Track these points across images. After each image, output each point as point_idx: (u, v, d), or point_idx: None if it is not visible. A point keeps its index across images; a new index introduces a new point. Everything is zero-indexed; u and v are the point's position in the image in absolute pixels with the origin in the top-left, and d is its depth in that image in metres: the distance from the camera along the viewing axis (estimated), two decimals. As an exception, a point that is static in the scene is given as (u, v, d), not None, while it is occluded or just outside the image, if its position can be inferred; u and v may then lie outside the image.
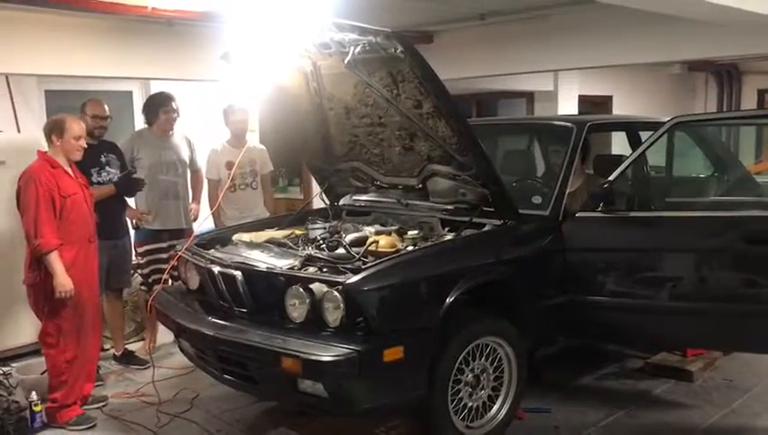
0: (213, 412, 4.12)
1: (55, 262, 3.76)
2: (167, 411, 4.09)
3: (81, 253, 3.93)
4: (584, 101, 8.79)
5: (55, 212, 3.80)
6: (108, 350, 5.04)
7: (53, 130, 3.93)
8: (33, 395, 3.92)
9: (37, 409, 3.91)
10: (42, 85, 5.44)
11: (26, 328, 4.95)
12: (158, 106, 5.02)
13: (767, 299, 3.67)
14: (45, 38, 4.91)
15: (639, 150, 4.09)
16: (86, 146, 4.06)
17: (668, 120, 3.99)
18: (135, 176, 4.81)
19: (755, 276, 3.71)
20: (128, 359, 4.96)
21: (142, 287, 5.17)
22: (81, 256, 3.92)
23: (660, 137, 3.98)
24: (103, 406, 4.21)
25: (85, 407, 4.07)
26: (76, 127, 3.97)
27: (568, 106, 8.50)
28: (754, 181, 5.01)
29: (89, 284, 4.00)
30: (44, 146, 5.38)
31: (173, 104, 5.03)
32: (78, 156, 4.00)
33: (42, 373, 4.29)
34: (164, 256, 4.95)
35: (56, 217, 3.80)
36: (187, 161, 5.21)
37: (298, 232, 4.14)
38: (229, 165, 5.12)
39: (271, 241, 3.96)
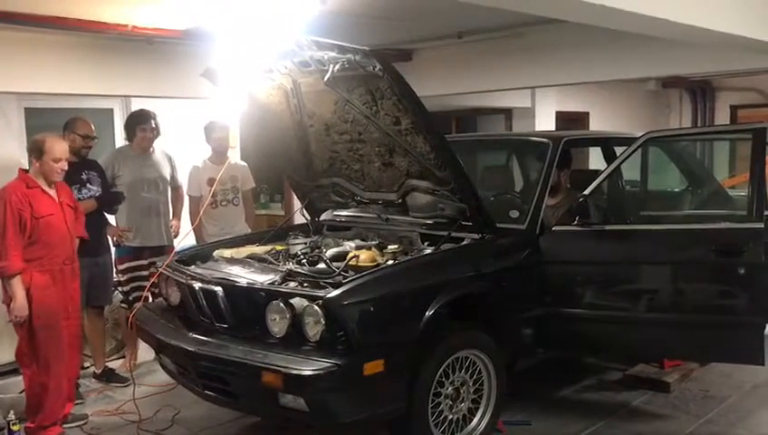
0: (194, 429, 4.11)
1: (17, 286, 3.68)
2: (147, 429, 4.07)
3: (57, 276, 3.86)
4: (561, 118, 8.91)
5: (25, 234, 3.72)
6: (88, 368, 5.00)
7: (32, 151, 3.87)
8: (11, 414, 3.88)
9: (15, 428, 3.86)
10: (21, 103, 5.42)
11: (4, 347, 4.90)
12: (135, 124, 5.03)
13: (739, 310, 3.75)
14: (25, 56, 4.91)
15: (613, 165, 4.17)
16: (66, 168, 3.96)
17: (641, 136, 4.09)
18: (114, 190, 4.81)
19: (726, 287, 3.80)
20: (108, 376, 4.93)
21: (123, 305, 5.14)
22: (55, 280, 3.85)
23: (633, 152, 4.07)
24: (83, 424, 4.18)
25: (65, 425, 4.04)
26: (57, 149, 3.86)
27: (545, 122, 8.60)
28: (727, 195, 5.12)
29: (65, 308, 3.90)
30: (25, 164, 5.39)
31: (151, 122, 5.03)
32: (57, 177, 3.91)
33: (20, 392, 4.26)
34: (145, 273, 4.95)
35: (26, 238, 3.73)
36: (168, 178, 5.22)
37: (279, 247, 4.16)
38: (211, 181, 5.14)
39: (252, 257, 3.98)
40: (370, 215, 4.46)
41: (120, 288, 5.12)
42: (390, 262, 3.67)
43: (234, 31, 3.94)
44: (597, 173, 4.37)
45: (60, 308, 3.86)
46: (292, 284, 3.46)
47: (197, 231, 5.17)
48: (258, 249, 4.17)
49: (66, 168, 3.96)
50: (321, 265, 3.63)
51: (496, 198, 4.59)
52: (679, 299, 3.92)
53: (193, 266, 3.98)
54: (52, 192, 3.91)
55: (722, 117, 9.92)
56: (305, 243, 4.18)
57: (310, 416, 3.19)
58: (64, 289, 3.91)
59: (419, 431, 3.42)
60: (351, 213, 4.66)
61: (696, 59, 5.37)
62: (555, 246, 3.98)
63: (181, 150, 5.50)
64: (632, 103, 9.81)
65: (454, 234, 3.87)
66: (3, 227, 3.67)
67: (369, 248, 3.86)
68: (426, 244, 3.97)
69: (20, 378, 4.54)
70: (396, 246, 3.89)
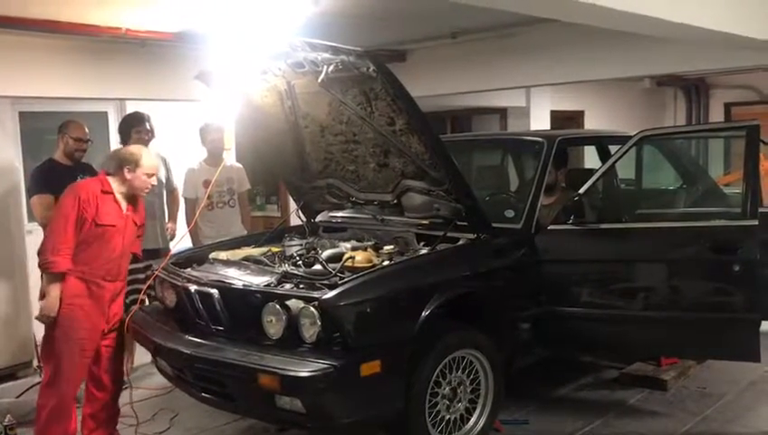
0: (192, 432, 4.11)
1: (54, 284, 3.53)
2: (145, 432, 4.05)
3: (93, 290, 3.63)
4: (556, 117, 8.92)
5: (79, 235, 3.56)
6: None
7: (127, 162, 3.67)
8: (8, 418, 3.87)
9: (12, 433, 3.86)
10: (16, 107, 5.42)
11: (1, 352, 4.90)
12: (130, 127, 5.00)
13: (735, 307, 3.76)
14: (19, 59, 4.90)
15: (608, 164, 4.18)
16: (156, 184, 3.88)
17: (635, 134, 4.10)
18: None
19: (722, 285, 3.81)
20: (105, 380, 4.91)
21: (119, 308, 5.13)
22: (92, 293, 3.63)
23: (628, 150, 4.07)
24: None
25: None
26: (152, 164, 3.76)
27: (540, 121, 8.61)
28: (721, 192, 5.14)
29: (96, 327, 3.66)
30: (19, 168, 5.39)
31: (146, 125, 5.00)
32: (144, 194, 3.81)
33: (17, 397, 4.25)
34: (141, 276, 4.92)
35: (78, 240, 3.56)
36: (164, 181, 5.20)
37: (275, 249, 4.16)
38: (206, 183, 5.12)
39: (247, 259, 3.98)
40: (366, 216, 4.45)
41: (116, 291, 5.10)
42: (386, 263, 3.66)
43: (227, 33, 3.94)
44: (592, 172, 4.37)
45: (89, 324, 3.62)
46: (288, 285, 3.45)
47: (193, 233, 5.17)
48: (254, 251, 4.16)
49: (156, 183, 3.85)
50: (317, 267, 3.63)
51: (492, 197, 4.60)
52: (675, 297, 3.92)
53: (189, 269, 3.98)
54: (124, 204, 3.73)
55: (716, 115, 9.94)
56: (301, 244, 4.18)
57: (307, 418, 3.18)
58: (100, 306, 3.67)
59: (417, 431, 3.42)
60: (347, 214, 4.65)
61: (690, 57, 5.39)
62: (551, 246, 3.98)
63: (176, 153, 5.50)
64: (627, 102, 9.82)
65: (449, 234, 3.86)
66: (65, 221, 3.52)
67: (364, 249, 3.86)
68: (421, 244, 3.97)
69: (17, 382, 4.56)
70: (392, 247, 3.88)
